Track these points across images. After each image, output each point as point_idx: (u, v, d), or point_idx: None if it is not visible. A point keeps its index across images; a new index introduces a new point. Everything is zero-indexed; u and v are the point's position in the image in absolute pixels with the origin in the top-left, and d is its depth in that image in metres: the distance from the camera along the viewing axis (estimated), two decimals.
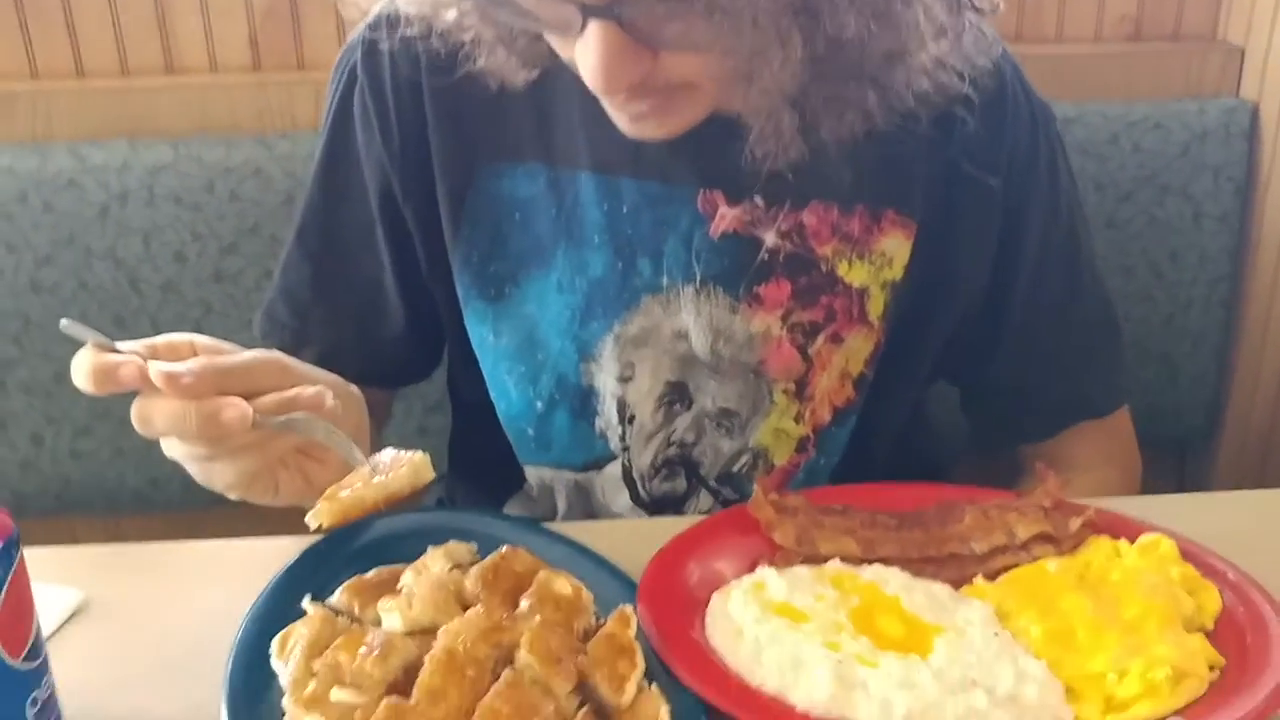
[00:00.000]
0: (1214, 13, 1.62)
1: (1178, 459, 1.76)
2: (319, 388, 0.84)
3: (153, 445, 1.49)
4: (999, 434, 1.19)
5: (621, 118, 0.90)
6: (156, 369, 0.79)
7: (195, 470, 0.87)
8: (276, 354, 0.87)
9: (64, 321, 0.83)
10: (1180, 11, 1.62)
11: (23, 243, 1.44)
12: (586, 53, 0.81)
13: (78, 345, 1.46)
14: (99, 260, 1.45)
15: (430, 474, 0.84)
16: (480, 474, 1.17)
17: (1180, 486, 1.74)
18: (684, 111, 0.88)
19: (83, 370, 0.80)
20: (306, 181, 1.42)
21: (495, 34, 0.92)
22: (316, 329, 1.09)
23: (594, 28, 0.79)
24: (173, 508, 1.55)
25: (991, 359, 1.13)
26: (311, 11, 1.51)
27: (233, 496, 0.88)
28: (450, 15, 0.91)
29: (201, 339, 0.86)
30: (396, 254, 1.07)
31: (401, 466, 0.83)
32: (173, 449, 0.85)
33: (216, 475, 0.87)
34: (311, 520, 0.82)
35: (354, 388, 0.95)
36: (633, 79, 0.82)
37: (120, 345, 0.83)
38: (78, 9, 1.47)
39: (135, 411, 0.81)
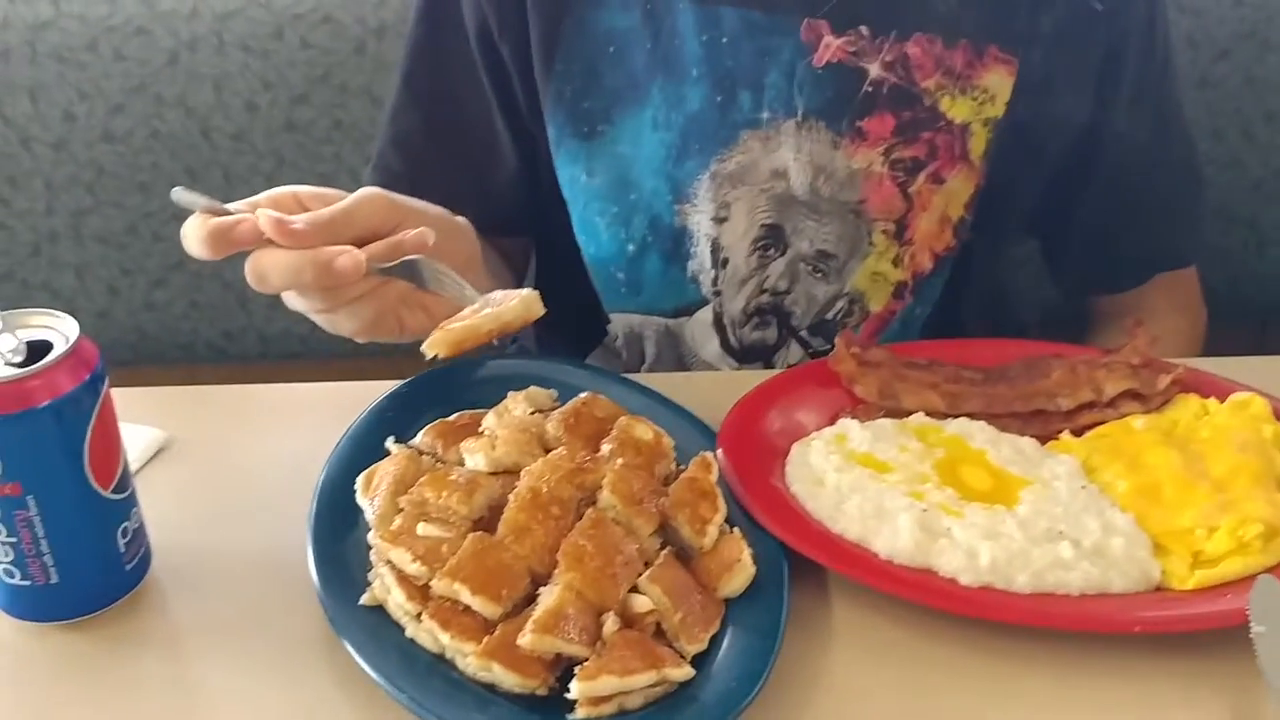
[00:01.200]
0: None
1: (1259, 328, 1.72)
2: (421, 229, 0.83)
3: (227, 297, 1.52)
4: (1085, 284, 1.18)
5: None
6: (268, 218, 0.78)
7: (320, 320, 0.86)
8: (379, 191, 0.86)
9: (175, 190, 0.82)
10: None
11: (95, 91, 1.43)
12: None
13: (153, 194, 1.48)
14: (170, 109, 1.44)
15: (541, 309, 0.83)
16: (562, 325, 1.17)
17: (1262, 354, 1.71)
18: None
19: (197, 236, 0.79)
20: (378, 28, 1.43)
21: None
22: (433, 175, 1.07)
23: None
24: (249, 360, 1.56)
25: (1082, 202, 1.11)
26: None
27: (361, 340, 0.88)
28: None
29: (305, 189, 0.84)
30: (500, 95, 1.06)
31: (513, 300, 0.82)
32: (293, 302, 0.84)
33: (341, 323, 0.85)
34: (427, 350, 0.81)
35: (461, 219, 0.93)
36: None
37: (227, 206, 0.82)
38: None
39: (251, 268, 0.79)
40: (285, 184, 1.49)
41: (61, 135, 1.45)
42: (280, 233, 0.78)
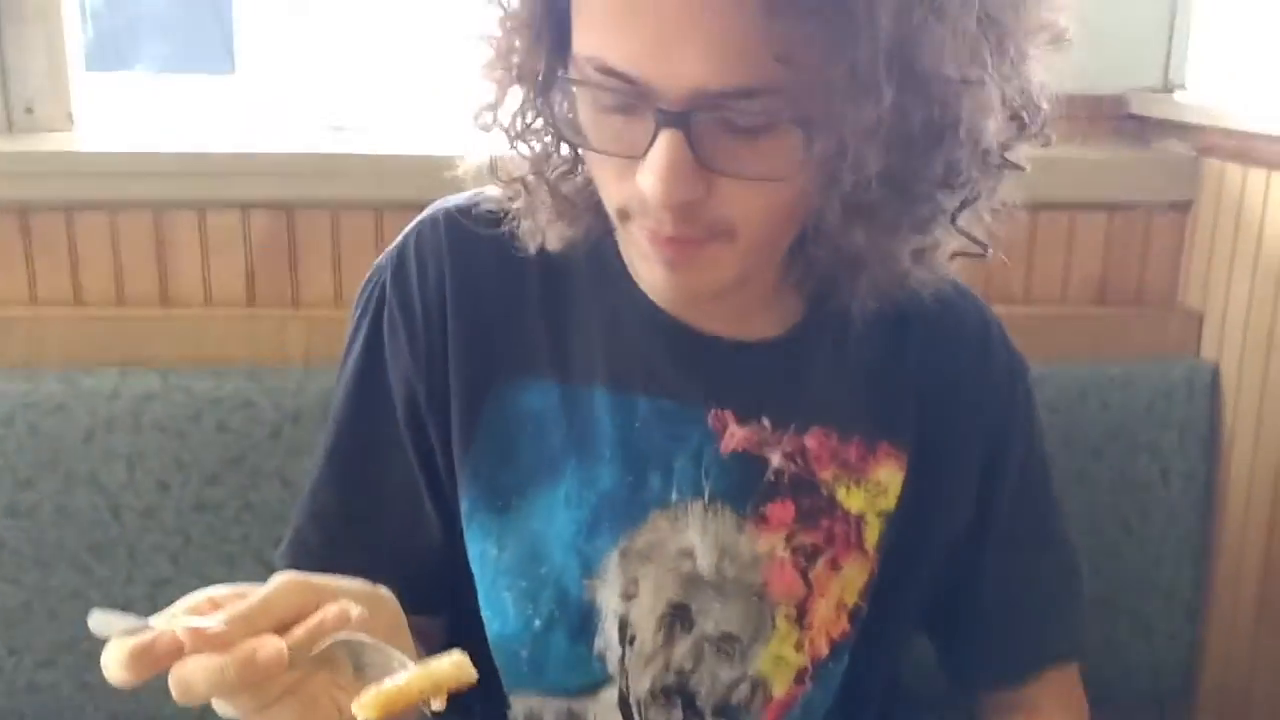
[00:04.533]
0: (1173, 277, 1.70)
1: (1158, 713, 1.75)
2: (340, 602, 0.83)
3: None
4: (974, 679, 1.20)
5: (656, 268, 0.94)
6: (184, 627, 0.76)
7: None
8: (294, 575, 0.85)
9: (93, 614, 0.79)
10: (1141, 275, 1.70)
11: (3, 465, 1.44)
12: (652, 163, 0.86)
13: (53, 571, 1.46)
14: (80, 485, 1.45)
15: (473, 673, 0.81)
16: (461, 710, 1.15)
17: None
18: (714, 262, 0.93)
19: (117, 661, 0.75)
20: (295, 414, 1.47)
21: (547, 196, 0.99)
22: (350, 553, 1.07)
23: (663, 138, 0.85)
24: None
25: (968, 599, 1.15)
26: (308, 251, 1.57)
27: None
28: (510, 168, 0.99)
29: (219, 591, 0.83)
30: (426, 472, 1.08)
31: (444, 661, 0.81)
32: (224, 709, 0.81)
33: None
34: (358, 711, 0.78)
35: (383, 589, 0.93)
36: (688, 196, 0.87)
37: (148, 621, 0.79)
38: (81, 240, 1.52)
39: (174, 682, 0.76)
40: (191, 562, 1.50)
41: None
42: (199, 639, 0.76)
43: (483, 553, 1.07)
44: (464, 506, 1.08)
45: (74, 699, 1.48)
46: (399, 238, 1.10)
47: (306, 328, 1.54)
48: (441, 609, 1.14)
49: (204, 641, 0.76)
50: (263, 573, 1.45)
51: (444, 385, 1.07)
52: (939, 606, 1.16)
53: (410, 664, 0.82)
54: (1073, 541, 1.23)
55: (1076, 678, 1.22)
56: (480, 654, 1.08)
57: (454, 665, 0.81)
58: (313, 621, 0.81)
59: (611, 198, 0.94)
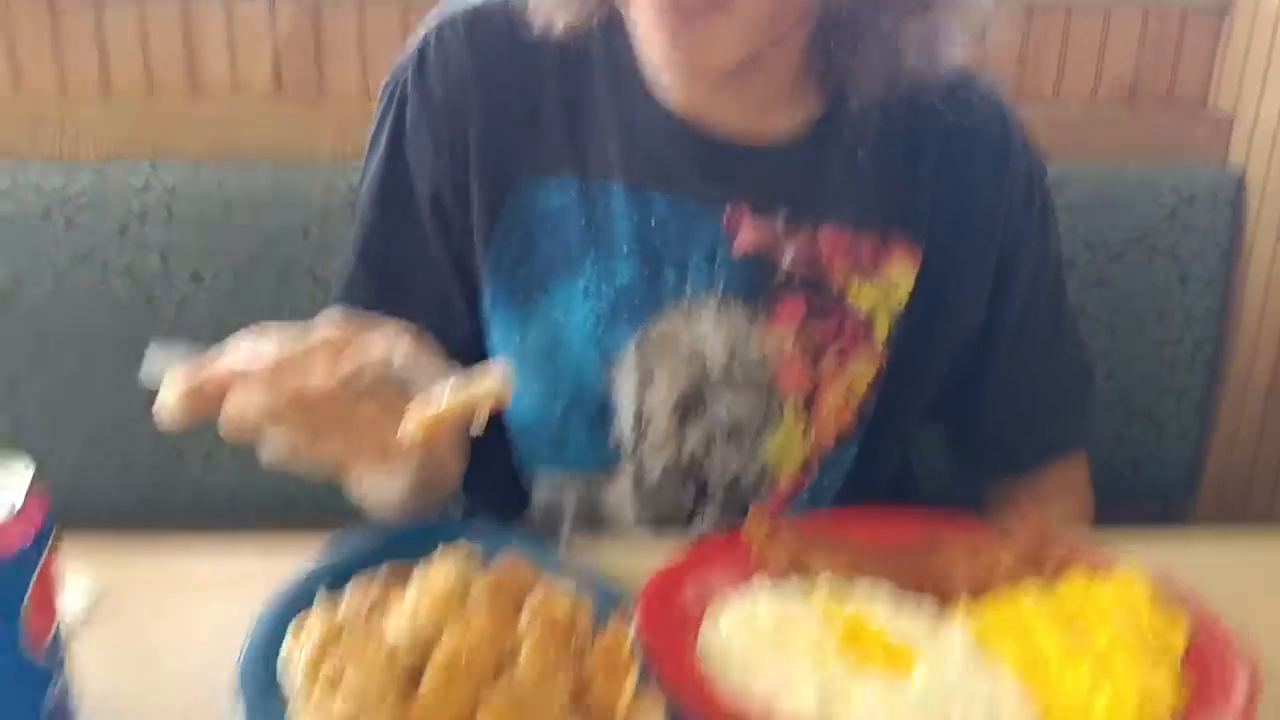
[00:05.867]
0: (1206, 78, 1.68)
1: (1160, 510, 1.80)
2: (386, 333, 0.86)
3: (159, 459, 1.54)
4: (983, 468, 1.25)
5: (661, 39, 0.96)
6: (233, 364, 0.80)
7: (305, 458, 0.86)
8: (341, 312, 0.88)
9: (148, 354, 0.83)
10: (1173, 78, 1.68)
11: (44, 257, 1.48)
12: None
13: (87, 356, 1.51)
14: (116, 277, 1.49)
15: (511, 387, 0.84)
16: (487, 495, 1.21)
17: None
18: (716, 33, 0.94)
19: (169, 405, 0.79)
20: (324, 210, 1.49)
21: None
22: None
23: None
24: (178, 521, 1.57)
25: (979, 393, 1.19)
26: (334, 44, 1.56)
27: (348, 482, 0.89)
28: None
29: (267, 328, 0.86)
30: (452, 263, 1.11)
31: (484, 377, 0.83)
32: (274, 444, 0.84)
33: (325, 452, 0.85)
34: (404, 435, 0.82)
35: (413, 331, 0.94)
36: None
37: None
38: (111, 32, 1.53)
39: (225, 416, 0.80)
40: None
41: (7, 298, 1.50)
42: (249, 375, 0.80)
43: (506, 340, 1.11)
44: (487, 299, 1.11)
45: (119, 478, 1.55)
46: (418, 37, 1.11)
47: (335, 121, 1.55)
48: None
49: (254, 376, 0.80)
50: None
51: (465, 182, 1.09)
52: (948, 398, 1.20)
53: (447, 382, 0.85)
54: (1083, 341, 1.26)
55: (1083, 469, 1.26)
56: (504, 441, 1.14)
57: (494, 379, 0.84)
58: (360, 353, 0.84)
59: None
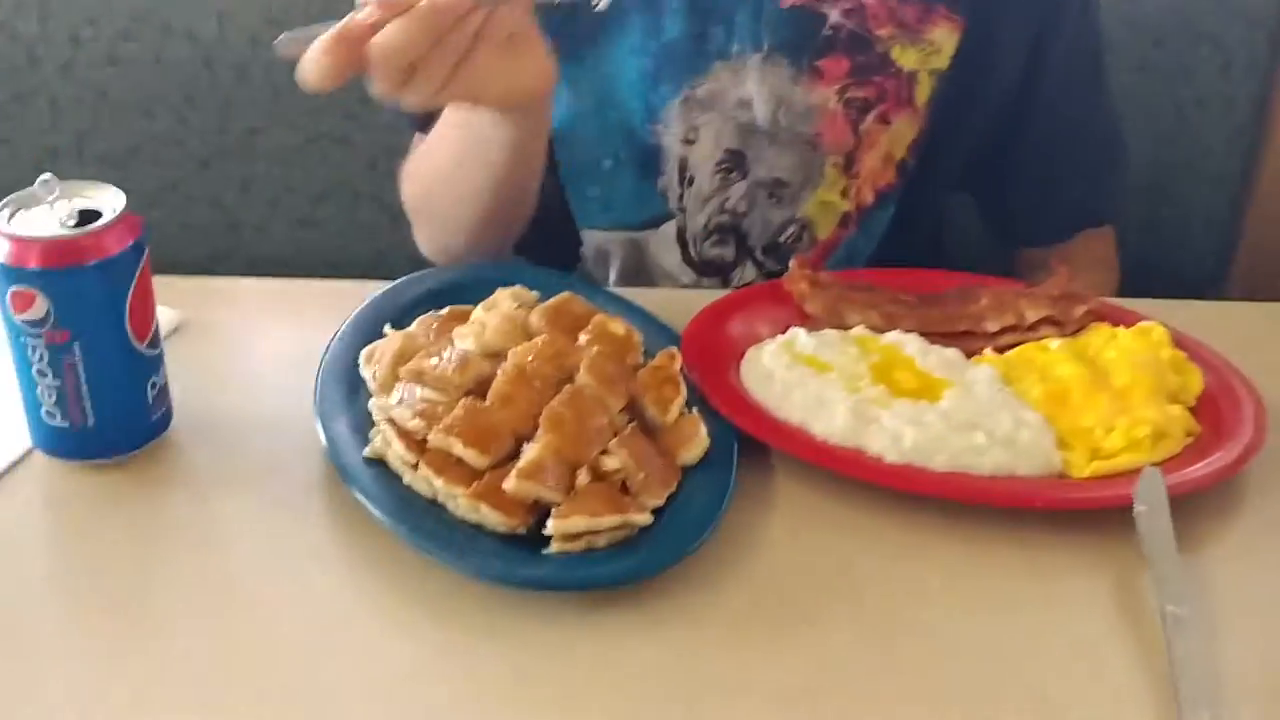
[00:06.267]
0: None
1: (1188, 294, 1.83)
2: None
3: (216, 218, 1.59)
4: (1014, 236, 1.29)
5: None
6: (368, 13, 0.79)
7: (456, 82, 0.85)
8: None
9: (280, 39, 0.82)
10: None
11: (104, 16, 1.51)
12: None
13: (155, 118, 1.55)
14: (175, 38, 1.52)
15: None
16: (540, 246, 1.26)
17: None
18: None
19: (317, 53, 0.79)
20: None
21: None
22: None
23: None
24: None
25: (1013, 159, 1.22)
26: None
27: (495, 99, 0.91)
28: None
29: None
30: None
31: None
32: (429, 74, 0.83)
33: (478, 72, 0.85)
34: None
35: None
36: None
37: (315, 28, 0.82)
38: None
39: (373, 56, 0.79)
40: (281, 112, 1.56)
41: (68, 57, 1.53)
42: (390, 7, 0.79)
43: (557, 94, 1.15)
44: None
45: (178, 237, 1.61)
46: None
47: None
48: None
49: (390, 9, 0.79)
50: (350, 126, 1.52)
51: None
52: (982, 164, 1.23)
53: None
54: (1118, 119, 1.28)
55: (1111, 241, 1.30)
56: (556, 195, 1.19)
57: None
58: None
59: None
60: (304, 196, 1.60)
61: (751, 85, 1.12)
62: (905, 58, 1.12)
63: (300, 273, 1.62)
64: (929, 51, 1.12)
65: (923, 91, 1.14)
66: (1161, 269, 1.72)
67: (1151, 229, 1.69)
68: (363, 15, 0.81)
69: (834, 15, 1.10)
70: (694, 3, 1.10)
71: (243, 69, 1.54)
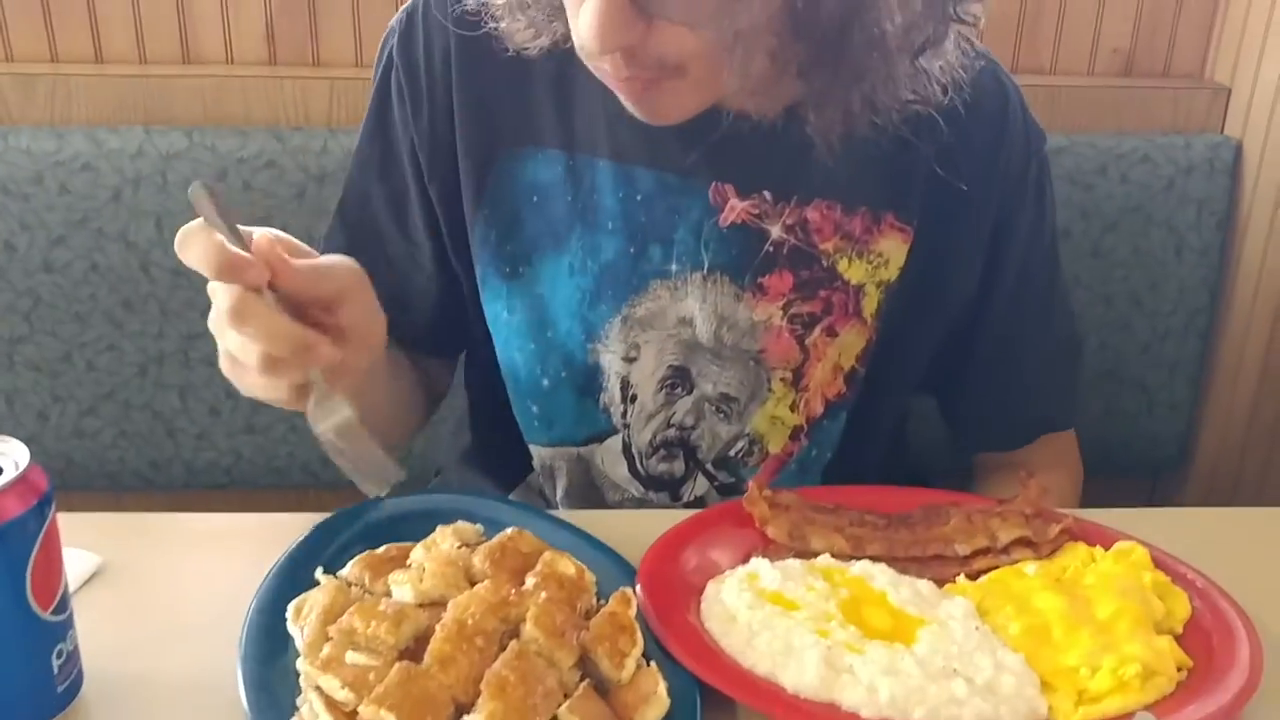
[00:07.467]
0: (1203, 51, 1.68)
1: (1150, 483, 1.81)
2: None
3: (156, 426, 1.53)
4: (976, 442, 1.26)
5: (621, 97, 0.95)
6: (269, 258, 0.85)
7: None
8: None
9: (194, 187, 0.86)
10: (1171, 49, 1.68)
11: (37, 223, 1.47)
12: (585, 11, 0.85)
13: (89, 325, 1.50)
14: (111, 242, 1.48)
15: None
16: (489, 460, 1.21)
17: (1152, 506, 1.79)
18: (674, 96, 0.93)
19: (205, 257, 0.83)
20: (319, 175, 1.49)
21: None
22: None
23: None
24: (173, 489, 1.58)
25: (971, 367, 1.19)
26: (327, 9, 1.55)
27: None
28: None
29: (282, 235, 0.90)
30: (428, 229, 1.12)
31: None
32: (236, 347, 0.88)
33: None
34: None
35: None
36: (623, 42, 0.86)
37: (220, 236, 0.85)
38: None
39: (227, 309, 0.85)
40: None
41: (2, 264, 1.48)
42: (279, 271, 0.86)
43: (495, 316, 1.12)
44: (477, 271, 1.12)
45: (115, 445, 1.55)
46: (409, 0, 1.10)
47: (328, 88, 1.54)
48: (437, 351, 1.22)
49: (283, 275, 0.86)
50: None
51: (450, 152, 1.09)
52: (939, 370, 1.19)
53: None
54: (1074, 313, 1.26)
55: (1072, 442, 1.27)
56: (505, 409, 1.14)
57: None
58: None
59: (575, 36, 0.92)
60: (245, 403, 1.52)
61: (693, 303, 1.08)
62: (852, 271, 1.09)
63: (242, 481, 1.59)
64: (877, 264, 1.09)
65: (870, 303, 1.10)
66: (1124, 455, 1.70)
67: (1113, 415, 1.68)
68: (258, 267, 0.85)
69: (776, 231, 1.07)
70: (631, 223, 1.07)
71: (181, 273, 1.50)
